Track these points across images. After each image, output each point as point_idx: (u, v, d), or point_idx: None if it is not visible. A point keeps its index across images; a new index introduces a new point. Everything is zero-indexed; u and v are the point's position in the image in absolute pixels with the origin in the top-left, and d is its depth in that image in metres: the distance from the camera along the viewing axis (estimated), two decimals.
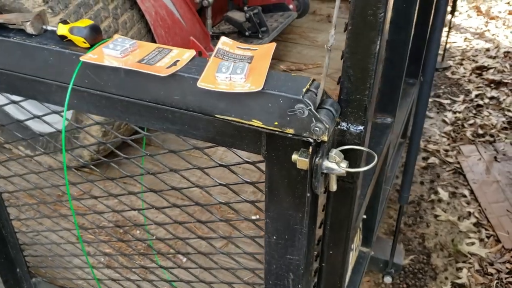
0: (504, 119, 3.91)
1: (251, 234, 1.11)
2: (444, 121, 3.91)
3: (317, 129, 0.77)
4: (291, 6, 3.05)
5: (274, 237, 1.02)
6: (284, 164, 0.88)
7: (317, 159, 0.81)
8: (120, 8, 1.80)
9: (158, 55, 0.86)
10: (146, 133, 1.05)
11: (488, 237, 2.92)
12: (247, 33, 2.52)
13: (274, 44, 0.89)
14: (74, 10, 1.68)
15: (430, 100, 4.14)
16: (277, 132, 0.82)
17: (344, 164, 0.81)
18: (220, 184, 1.03)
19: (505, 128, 3.81)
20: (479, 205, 3.12)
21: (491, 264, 2.76)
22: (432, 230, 3.01)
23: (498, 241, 2.88)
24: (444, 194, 3.23)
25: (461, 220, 3.05)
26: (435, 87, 4.29)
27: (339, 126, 0.84)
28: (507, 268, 2.72)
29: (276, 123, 0.80)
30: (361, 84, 0.78)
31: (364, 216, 1.46)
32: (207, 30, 2.16)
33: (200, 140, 0.96)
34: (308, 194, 0.86)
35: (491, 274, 2.70)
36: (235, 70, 0.79)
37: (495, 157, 3.49)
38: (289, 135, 0.81)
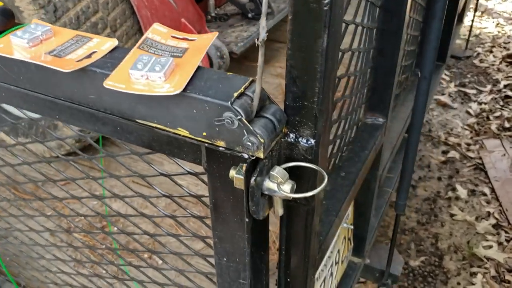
0: None
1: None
2: (468, 112, 3.67)
3: (249, 143, 0.62)
4: None
5: (225, 259, 0.88)
6: (225, 179, 0.73)
7: (253, 179, 0.66)
8: None
9: (74, 44, 0.72)
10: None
11: (507, 241, 2.71)
12: (250, 15, 2.34)
13: (215, 34, 0.73)
14: None
15: (454, 89, 3.89)
16: (206, 144, 0.67)
17: (287, 186, 0.66)
18: (163, 195, 0.89)
19: None
20: (500, 205, 2.91)
21: (509, 271, 2.55)
22: (447, 230, 2.81)
23: None
24: (462, 192, 3.02)
25: (479, 220, 2.84)
26: (461, 76, 4.03)
27: (286, 138, 0.69)
28: None
29: (205, 133, 0.65)
30: (308, 88, 0.62)
31: (351, 226, 1.30)
32: (201, 12, 2.00)
33: (134, 144, 0.82)
34: (247, 219, 0.71)
35: (509, 282, 2.50)
36: (154, 66, 0.64)
37: None
38: (221, 148, 0.66)
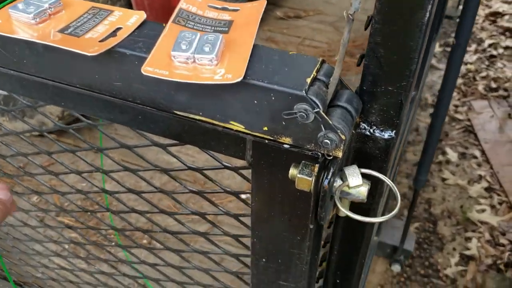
0: None
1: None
2: None
3: (328, 141, 0.50)
4: None
5: (264, 260, 0.77)
6: (278, 177, 0.61)
7: (326, 182, 0.54)
8: None
9: (91, 20, 0.57)
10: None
11: (500, 204, 2.70)
12: None
13: (264, 2, 0.60)
14: None
15: (439, 49, 3.82)
16: (266, 141, 0.55)
17: (364, 188, 0.55)
18: (192, 192, 0.77)
19: None
20: (491, 168, 2.89)
21: (503, 234, 2.55)
22: (439, 195, 2.78)
23: (511, 208, 2.66)
24: (453, 155, 2.99)
25: (471, 184, 2.82)
26: (445, 36, 3.96)
27: (358, 130, 0.57)
28: None
29: (266, 128, 0.53)
30: (397, 70, 0.51)
31: None
32: None
33: (159, 135, 0.69)
34: (311, 226, 0.60)
35: (503, 245, 2.49)
36: (202, 46, 0.51)
37: (509, 114, 3.22)
38: (285, 145, 0.54)
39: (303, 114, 0.49)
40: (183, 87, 0.54)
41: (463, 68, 3.63)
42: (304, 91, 0.49)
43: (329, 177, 0.54)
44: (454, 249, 2.50)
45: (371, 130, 0.57)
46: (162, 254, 1.04)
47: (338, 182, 0.56)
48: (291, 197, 0.61)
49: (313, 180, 0.54)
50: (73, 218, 1.54)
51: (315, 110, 0.49)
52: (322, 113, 0.49)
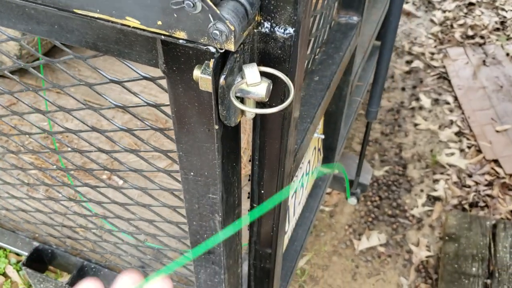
0: (497, 18, 3.59)
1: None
2: (432, 21, 3.59)
3: (217, 32, 0.51)
4: None
5: (192, 174, 0.79)
6: (189, 81, 0.62)
7: (223, 77, 0.55)
8: None
9: None
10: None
11: (469, 147, 2.74)
12: None
13: None
14: None
15: None
16: (163, 37, 0.55)
17: (263, 86, 0.56)
18: (117, 106, 0.78)
19: (497, 29, 3.51)
20: (463, 113, 2.92)
21: (470, 176, 2.61)
22: (411, 139, 2.82)
23: (479, 151, 2.71)
24: (426, 101, 3.01)
25: (442, 129, 2.86)
26: None
27: (259, 28, 0.58)
28: (486, 180, 2.58)
29: (160, 22, 0.54)
30: None
31: (322, 136, 1.23)
32: None
33: (77, 46, 0.69)
34: (217, 126, 0.61)
35: (469, 186, 2.55)
36: None
37: (484, 61, 3.23)
38: (181, 41, 0.55)
39: (190, 2, 0.49)
40: None
41: (441, 16, 3.61)
42: None
43: (225, 73, 0.55)
44: (421, 190, 2.55)
45: (272, 29, 0.57)
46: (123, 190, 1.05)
47: (237, 80, 0.57)
48: (200, 101, 0.62)
49: (212, 77, 0.55)
50: (33, 156, 1.55)
51: None
52: (209, 2, 0.49)
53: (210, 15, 0.50)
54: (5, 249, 2.15)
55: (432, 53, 3.34)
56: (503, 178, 2.56)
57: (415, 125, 2.89)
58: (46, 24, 0.68)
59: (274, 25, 0.57)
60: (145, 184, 1.27)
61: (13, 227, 1.27)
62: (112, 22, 0.56)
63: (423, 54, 3.32)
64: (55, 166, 0.96)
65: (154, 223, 1.07)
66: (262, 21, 0.57)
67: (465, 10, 3.68)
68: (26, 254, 1.28)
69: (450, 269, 1.99)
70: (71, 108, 0.89)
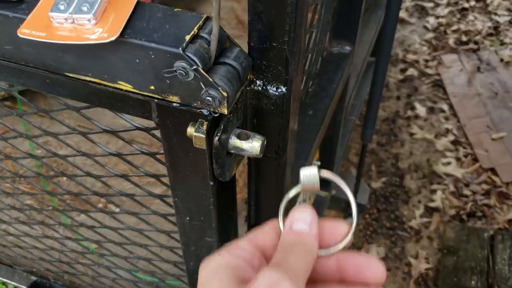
0: (490, 24, 3.60)
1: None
2: (425, 27, 3.59)
3: (210, 98, 0.50)
4: None
5: (187, 218, 0.79)
6: (182, 136, 0.62)
7: (217, 138, 0.55)
8: None
9: None
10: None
11: (465, 156, 2.75)
12: None
13: None
14: None
15: (411, 3, 3.79)
16: (156, 100, 0.55)
17: (257, 144, 0.56)
18: (111, 154, 0.77)
19: (491, 34, 3.52)
20: (458, 121, 2.92)
21: (467, 185, 2.61)
22: (407, 149, 2.82)
23: (475, 160, 2.71)
24: (421, 110, 3.01)
25: (438, 138, 2.86)
26: None
27: (252, 86, 0.57)
28: (483, 189, 2.58)
29: (152, 87, 0.53)
30: (276, 25, 0.50)
31: (318, 163, 1.23)
32: None
33: (69, 99, 0.69)
34: (212, 183, 0.61)
35: (466, 196, 2.55)
36: (80, 6, 0.50)
37: (478, 67, 3.23)
38: (175, 104, 0.54)
39: (182, 72, 0.49)
40: (68, 49, 0.53)
41: (434, 22, 3.61)
42: (181, 49, 0.48)
43: (219, 134, 0.54)
44: (419, 201, 2.56)
45: (264, 87, 0.57)
46: (119, 216, 1.04)
47: (233, 139, 0.57)
48: (194, 155, 0.62)
49: (205, 137, 0.55)
50: (28, 185, 1.54)
51: (193, 68, 0.49)
52: (201, 71, 0.49)
53: (201, 83, 0.50)
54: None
55: (427, 60, 3.34)
56: (500, 187, 2.56)
57: (411, 134, 2.89)
58: (37, 78, 0.68)
59: (266, 83, 0.57)
60: (140, 211, 1.27)
61: (10, 262, 1.27)
62: (104, 85, 0.56)
63: (417, 61, 3.32)
64: (50, 208, 0.96)
65: (149, 247, 1.06)
66: (254, 79, 0.57)
67: (458, 16, 3.69)
68: None
69: (449, 283, 1.99)
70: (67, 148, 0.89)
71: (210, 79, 0.50)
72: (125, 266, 1.06)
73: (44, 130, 0.80)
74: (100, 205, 1.48)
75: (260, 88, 0.57)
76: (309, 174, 0.49)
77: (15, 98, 1.91)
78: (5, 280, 1.27)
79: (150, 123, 0.65)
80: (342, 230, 0.48)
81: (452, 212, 2.48)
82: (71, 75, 0.56)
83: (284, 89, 0.56)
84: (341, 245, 0.47)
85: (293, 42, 0.51)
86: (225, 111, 0.52)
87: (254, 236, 0.48)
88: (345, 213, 1.65)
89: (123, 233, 0.96)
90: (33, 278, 1.23)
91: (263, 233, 0.49)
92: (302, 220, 0.47)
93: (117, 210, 0.90)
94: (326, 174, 0.50)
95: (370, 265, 0.45)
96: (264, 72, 0.56)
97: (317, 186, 0.49)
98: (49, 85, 0.68)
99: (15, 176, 0.95)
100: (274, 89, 0.57)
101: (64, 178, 1.59)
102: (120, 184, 1.56)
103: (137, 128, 0.71)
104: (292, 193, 0.51)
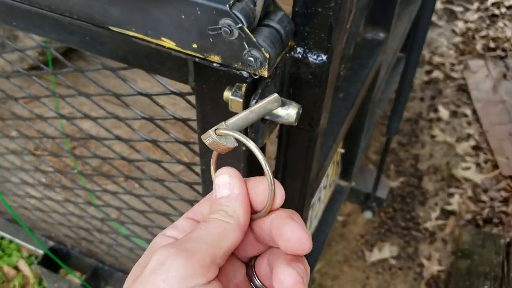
0: None
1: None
2: (453, 31, 3.55)
3: (252, 59, 0.51)
4: None
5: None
6: (218, 100, 0.62)
7: (254, 102, 0.55)
8: None
9: None
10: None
11: (485, 162, 2.71)
12: None
13: None
14: None
15: (441, 7, 3.74)
16: (197, 59, 0.55)
17: (293, 111, 0.56)
18: (143, 118, 0.78)
19: None
20: (481, 127, 2.89)
21: (485, 191, 2.58)
22: (427, 151, 2.79)
23: (496, 166, 2.68)
24: (444, 113, 2.98)
25: (459, 141, 2.83)
26: None
27: (292, 53, 0.57)
28: (501, 196, 2.55)
29: (195, 45, 0.54)
30: None
31: (342, 151, 1.22)
32: None
33: (107, 58, 0.69)
34: (244, 148, 0.61)
35: (484, 202, 2.53)
36: None
37: (504, 75, 3.19)
38: (215, 64, 0.55)
39: (227, 29, 0.49)
40: (116, 1, 0.54)
41: (463, 27, 3.57)
42: (228, 6, 0.48)
43: (257, 97, 0.54)
44: (436, 204, 2.53)
45: (304, 54, 0.57)
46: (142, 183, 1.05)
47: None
48: None
49: (243, 101, 0.55)
50: (52, 157, 1.56)
51: (238, 26, 0.49)
52: (246, 30, 0.49)
53: (245, 42, 0.50)
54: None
55: (453, 64, 3.31)
56: None
57: (432, 136, 2.86)
58: (77, 34, 0.69)
59: (307, 50, 0.57)
60: (162, 187, 1.28)
61: (30, 225, 1.28)
62: (147, 41, 0.56)
63: (443, 64, 3.29)
64: (76, 170, 0.97)
65: (170, 217, 1.06)
66: (295, 46, 0.57)
67: (487, 22, 3.64)
68: (41, 252, 1.29)
69: (461, 286, 1.98)
70: (90, 107, 0.90)
71: (254, 39, 0.50)
72: (145, 236, 1.07)
73: (77, 90, 0.82)
74: (121, 179, 1.49)
75: (300, 56, 0.57)
76: (207, 137, 0.49)
77: (42, 69, 1.93)
78: (23, 243, 1.29)
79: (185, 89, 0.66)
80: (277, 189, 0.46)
81: (468, 216, 2.46)
82: (114, 29, 0.57)
83: (324, 58, 0.56)
84: (263, 212, 0.45)
85: (339, 9, 0.51)
86: (265, 73, 0.52)
87: (191, 211, 0.47)
88: (363, 205, 1.64)
89: (147, 200, 0.97)
90: (51, 243, 1.25)
91: (199, 205, 0.48)
92: (222, 185, 0.46)
93: (143, 177, 0.91)
94: (224, 131, 0.48)
95: (293, 236, 0.42)
96: (306, 39, 0.56)
97: (222, 143, 0.49)
98: (89, 42, 0.69)
99: (42, 136, 0.96)
100: (315, 57, 0.56)
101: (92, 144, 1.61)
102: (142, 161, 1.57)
103: (172, 92, 0.71)
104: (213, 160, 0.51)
